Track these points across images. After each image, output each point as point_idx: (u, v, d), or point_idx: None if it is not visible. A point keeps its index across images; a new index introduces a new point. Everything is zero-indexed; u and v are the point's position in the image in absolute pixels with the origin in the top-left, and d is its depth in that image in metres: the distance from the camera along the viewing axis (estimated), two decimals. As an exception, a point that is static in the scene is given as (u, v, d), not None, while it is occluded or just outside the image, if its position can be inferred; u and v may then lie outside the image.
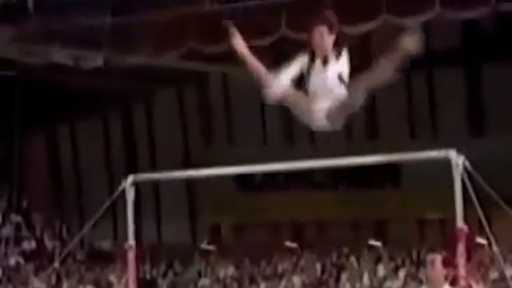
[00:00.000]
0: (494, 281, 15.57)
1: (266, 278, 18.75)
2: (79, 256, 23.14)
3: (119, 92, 23.24)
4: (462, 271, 6.36)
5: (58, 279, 20.45)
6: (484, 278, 16.10)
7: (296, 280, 18.10)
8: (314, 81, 5.99)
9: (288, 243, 22.24)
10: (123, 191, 7.34)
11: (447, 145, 6.58)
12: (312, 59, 5.99)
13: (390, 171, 20.91)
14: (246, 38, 6.00)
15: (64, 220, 25.04)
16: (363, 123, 22.72)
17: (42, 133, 26.38)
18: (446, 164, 6.46)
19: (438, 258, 7.10)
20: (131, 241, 7.39)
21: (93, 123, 25.48)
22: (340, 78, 6.02)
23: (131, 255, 7.36)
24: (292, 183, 22.34)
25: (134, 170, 7.26)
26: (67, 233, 24.29)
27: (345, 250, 19.62)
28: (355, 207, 21.81)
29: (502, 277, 14.57)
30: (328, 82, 5.97)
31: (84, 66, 18.76)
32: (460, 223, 6.34)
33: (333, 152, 7.45)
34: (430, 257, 7.03)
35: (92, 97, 22.98)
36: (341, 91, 6.05)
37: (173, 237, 24.19)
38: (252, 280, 18.62)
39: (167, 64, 20.24)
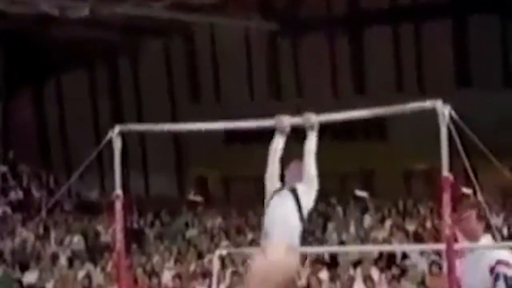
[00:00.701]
0: (479, 230, 15.72)
1: (253, 229, 18.87)
2: (67, 206, 23.22)
3: (106, 43, 23.12)
4: (447, 220, 6.42)
5: (46, 229, 20.52)
6: (469, 227, 16.25)
7: (283, 230, 18.25)
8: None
9: (275, 194, 22.37)
10: (110, 141, 7.35)
11: (434, 97, 6.59)
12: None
13: (377, 123, 20.99)
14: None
15: (51, 170, 25.10)
16: (349, 77, 22.78)
17: (28, 85, 26.27)
18: (432, 115, 6.48)
19: (472, 214, 7.18)
20: (118, 191, 7.42)
21: (79, 74, 25.39)
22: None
23: (118, 205, 7.39)
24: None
25: (120, 123, 7.29)
26: (54, 183, 24.36)
27: (332, 200, 19.74)
28: (342, 159, 21.92)
29: (488, 227, 14.70)
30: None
31: (70, 15, 18.61)
32: (445, 172, 6.39)
33: (319, 106, 7.44)
34: (465, 214, 7.10)
35: (78, 48, 22.85)
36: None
37: (160, 188, 24.32)
38: (239, 231, 18.74)
39: (153, 15, 20.11)
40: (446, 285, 6.77)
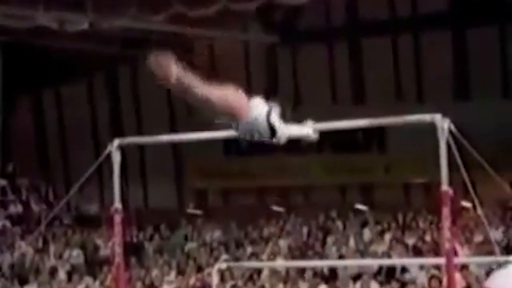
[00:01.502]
0: (478, 244, 15.69)
1: (252, 242, 18.84)
2: (66, 220, 23.19)
3: (105, 55, 23.12)
4: (447, 234, 6.41)
5: (45, 242, 20.49)
6: (469, 241, 16.23)
7: (283, 243, 18.18)
8: None
9: (275, 207, 22.34)
10: (109, 155, 7.35)
11: (433, 109, 6.59)
12: None
13: (376, 135, 20.99)
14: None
15: (50, 184, 25.05)
16: (349, 87, 22.76)
17: (27, 98, 26.27)
18: (432, 128, 6.48)
19: None
20: (117, 204, 7.42)
21: (79, 87, 25.39)
22: None
23: (117, 218, 7.40)
24: (278, 147, 22.34)
25: (120, 135, 7.29)
26: (53, 196, 24.32)
27: (332, 214, 19.71)
28: (341, 171, 21.90)
29: (487, 240, 14.69)
30: None
31: (69, 29, 18.63)
32: (445, 186, 6.38)
33: (319, 116, 7.42)
34: None
35: (78, 61, 22.85)
36: None
37: (160, 201, 24.26)
38: (239, 244, 18.70)
39: (152, 28, 20.14)
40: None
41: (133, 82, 25.06)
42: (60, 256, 19.60)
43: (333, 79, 22.89)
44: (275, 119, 6.22)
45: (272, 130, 6.20)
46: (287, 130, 6.32)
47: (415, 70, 21.97)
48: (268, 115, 6.23)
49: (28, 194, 24.10)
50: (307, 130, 6.63)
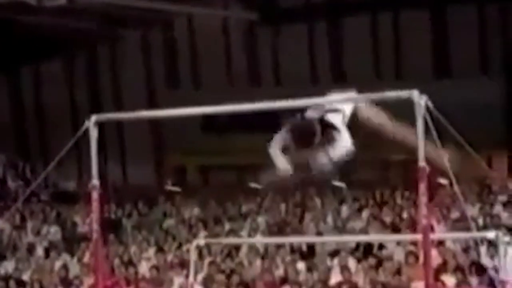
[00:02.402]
0: (455, 220, 15.82)
1: (231, 219, 18.88)
2: (44, 196, 23.11)
3: (84, 32, 22.98)
4: (423, 210, 6.44)
5: (22, 219, 20.41)
6: (445, 217, 16.36)
7: (261, 220, 18.25)
8: None
9: (253, 184, 22.37)
10: (87, 131, 7.32)
11: (412, 87, 6.61)
12: None
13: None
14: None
15: (28, 160, 24.95)
16: (328, 66, 22.81)
17: (5, 75, 26.08)
18: (410, 105, 6.50)
19: None
20: (95, 181, 7.40)
21: (57, 63, 25.23)
22: None
23: (95, 195, 7.37)
24: (257, 125, 22.38)
25: (98, 112, 7.28)
26: (30, 173, 24.22)
27: (310, 191, 19.77)
28: (320, 149, 21.94)
29: (463, 217, 14.81)
30: None
31: (48, 4, 18.47)
32: (422, 162, 6.41)
33: (299, 95, 7.44)
34: None
35: (56, 37, 22.70)
36: None
37: (138, 178, 24.25)
38: (217, 221, 18.73)
39: (132, 4, 20.04)
40: (422, 275, 6.80)
41: (112, 60, 24.94)
42: (37, 233, 19.55)
43: (313, 58, 22.91)
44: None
45: None
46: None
47: (394, 49, 22.03)
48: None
49: (5, 171, 23.99)
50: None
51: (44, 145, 24.99)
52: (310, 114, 7.01)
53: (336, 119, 6.98)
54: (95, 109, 23.97)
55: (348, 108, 7.14)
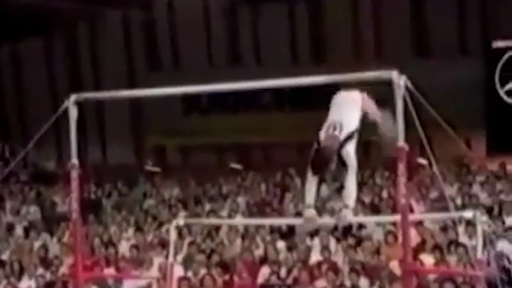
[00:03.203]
0: (433, 200, 15.92)
1: (211, 199, 18.90)
2: (23, 176, 23.02)
3: (64, 11, 22.81)
4: (402, 189, 6.49)
5: (1, 199, 20.34)
6: (424, 197, 16.46)
7: (241, 200, 18.28)
8: None
9: (233, 165, 22.40)
10: (66, 110, 7.29)
11: (392, 67, 6.62)
12: None
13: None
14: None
15: (7, 140, 24.82)
16: (308, 47, 22.79)
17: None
18: (390, 84, 6.52)
19: None
20: (74, 160, 7.38)
21: (36, 42, 25.05)
22: None
23: (74, 174, 7.35)
24: (238, 105, 22.38)
25: (78, 92, 7.25)
26: (10, 153, 24.10)
27: (290, 171, 19.80)
28: (300, 129, 21.95)
29: (442, 197, 14.90)
30: None
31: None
32: (401, 142, 6.44)
33: (279, 76, 7.45)
34: None
35: (36, 16, 22.52)
36: None
37: (118, 158, 24.19)
38: (197, 201, 18.74)
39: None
40: (401, 254, 6.86)
41: (92, 39, 24.79)
42: (17, 213, 19.49)
43: (293, 39, 22.88)
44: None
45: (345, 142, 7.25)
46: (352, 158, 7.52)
47: (374, 28, 22.05)
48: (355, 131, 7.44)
49: (-17, 151, 23.89)
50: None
51: (23, 126, 24.86)
52: (329, 143, 7.44)
53: (350, 148, 7.55)
54: (74, 89, 23.81)
55: (357, 122, 7.61)
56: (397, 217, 7.96)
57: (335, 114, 7.59)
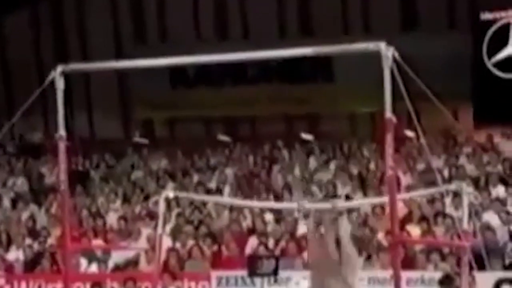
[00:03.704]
0: (421, 172, 15.99)
1: (199, 171, 18.91)
2: (10, 148, 22.93)
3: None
4: (389, 161, 6.50)
5: (-12, 171, 20.31)
6: (412, 169, 16.52)
7: (229, 172, 18.30)
8: None
9: (221, 137, 22.38)
10: (53, 82, 7.25)
11: (380, 40, 6.60)
12: None
13: (323, 66, 21.01)
14: None
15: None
16: (296, 20, 22.69)
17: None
18: (378, 58, 6.51)
19: None
20: (62, 132, 7.36)
21: (22, 13, 24.83)
22: None
23: (61, 146, 7.34)
24: (225, 78, 22.31)
25: (64, 63, 7.21)
26: (-4, 126, 23.96)
27: (278, 143, 19.82)
28: (288, 102, 21.96)
29: (429, 168, 14.98)
30: None
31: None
32: (388, 113, 6.44)
33: (266, 47, 7.43)
34: None
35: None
36: None
37: (106, 130, 24.11)
38: (185, 173, 18.75)
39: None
40: (388, 226, 6.89)
41: (78, 11, 24.60)
42: (4, 184, 19.45)
43: (280, 13, 22.77)
44: None
45: None
46: None
47: (362, 2, 21.98)
48: None
49: (-30, 122, 23.75)
50: None
51: (10, 97, 24.70)
52: None
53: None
54: (61, 61, 23.63)
55: None
56: (385, 199, 7.98)
57: None
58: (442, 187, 10.63)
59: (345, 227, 7.50)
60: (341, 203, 7.33)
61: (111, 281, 13.26)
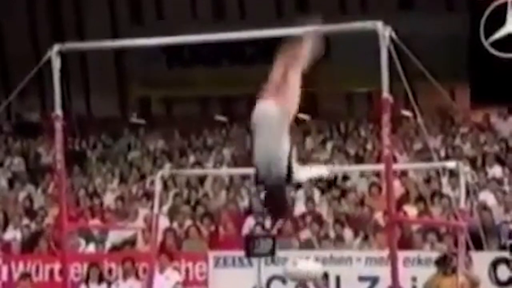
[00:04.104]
0: (418, 151, 16.00)
1: (196, 151, 18.90)
2: (6, 127, 22.91)
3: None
4: (386, 140, 6.49)
5: (-15, 151, 20.29)
6: (408, 149, 16.53)
7: (226, 152, 18.30)
8: None
9: (218, 117, 22.37)
10: (49, 61, 7.23)
11: (377, 19, 6.58)
12: None
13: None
14: None
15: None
16: (294, 1, 22.64)
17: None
18: (376, 37, 6.49)
19: None
20: (58, 111, 7.34)
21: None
22: None
23: (58, 125, 7.32)
24: (222, 57, 22.27)
25: (60, 42, 7.18)
26: (-8, 105, 23.92)
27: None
28: (285, 81, 21.90)
29: (426, 148, 14.98)
30: None
31: None
32: (385, 93, 6.42)
33: (263, 27, 7.41)
34: None
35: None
36: None
37: (102, 110, 24.10)
38: (182, 153, 18.74)
39: None
40: (385, 205, 6.90)
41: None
42: (1, 164, 19.45)
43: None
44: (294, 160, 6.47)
45: (289, 171, 6.37)
46: (303, 174, 6.66)
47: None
48: (290, 155, 6.48)
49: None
50: (323, 171, 7.48)
51: (6, 77, 24.65)
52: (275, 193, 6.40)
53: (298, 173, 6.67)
54: (57, 39, 23.50)
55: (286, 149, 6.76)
56: (381, 167, 8.00)
57: (261, 150, 6.50)
58: (439, 165, 10.65)
59: None
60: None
61: (108, 261, 13.28)
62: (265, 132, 6.62)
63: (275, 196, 6.35)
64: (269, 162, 6.40)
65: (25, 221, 15.39)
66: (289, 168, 6.43)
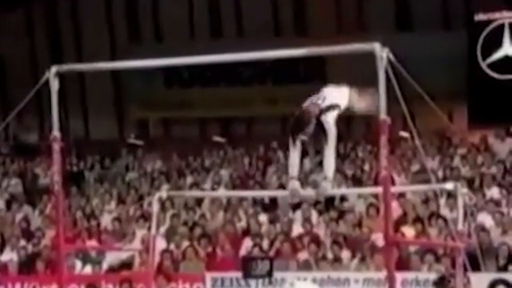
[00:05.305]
0: (415, 173, 16.00)
1: (194, 172, 18.89)
2: (4, 149, 22.89)
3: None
4: (384, 162, 6.50)
5: (-17, 172, 20.26)
6: (406, 170, 16.53)
7: (224, 173, 18.29)
8: None
9: (216, 138, 22.39)
10: (47, 82, 7.24)
11: (375, 40, 6.60)
12: None
13: (317, 67, 20.99)
14: None
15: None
16: (291, 20, 22.71)
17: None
18: (373, 59, 6.50)
19: None
20: (56, 132, 7.35)
21: (16, 12, 24.79)
22: None
23: (56, 147, 7.32)
24: (220, 78, 22.32)
25: (59, 63, 7.21)
26: (-10, 126, 23.89)
27: (273, 144, 19.80)
28: (283, 102, 21.96)
29: (423, 169, 14.98)
30: None
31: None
32: (383, 115, 6.44)
33: (261, 49, 7.43)
34: None
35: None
36: None
37: (100, 131, 24.09)
38: (180, 174, 18.73)
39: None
40: (382, 227, 6.89)
41: (73, 10, 24.56)
42: (-2, 185, 19.43)
43: (275, 12, 22.78)
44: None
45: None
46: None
47: (357, 1, 22.01)
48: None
49: (-36, 123, 23.65)
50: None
51: (4, 98, 24.66)
52: (310, 107, 7.60)
53: (330, 116, 7.61)
54: (55, 61, 23.49)
55: (344, 102, 7.88)
56: (378, 189, 8.00)
57: (320, 92, 7.78)
58: (437, 186, 10.65)
59: None
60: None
61: (106, 282, 13.23)
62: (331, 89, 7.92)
63: (302, 116, 7.57)
64: (322, 95, 7.74)
65: (22, 242, 15.36)
66: (328, 109, 7.50)
